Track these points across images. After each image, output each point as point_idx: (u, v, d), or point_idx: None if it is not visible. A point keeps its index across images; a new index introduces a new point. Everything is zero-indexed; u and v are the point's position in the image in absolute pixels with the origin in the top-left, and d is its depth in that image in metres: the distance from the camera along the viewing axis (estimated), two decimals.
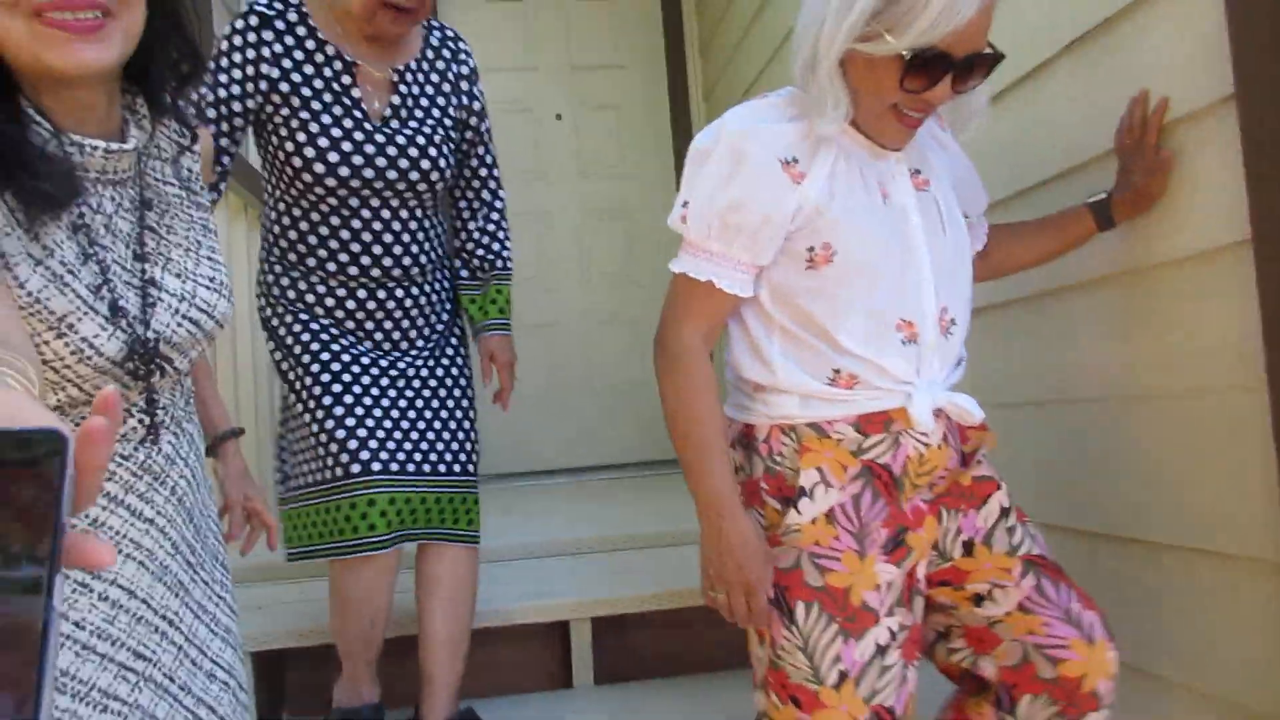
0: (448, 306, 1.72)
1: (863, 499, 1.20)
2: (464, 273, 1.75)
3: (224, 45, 1.52)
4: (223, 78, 1.52)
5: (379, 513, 1.49)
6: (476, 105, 1.70)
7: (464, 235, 1.74)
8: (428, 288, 1.65)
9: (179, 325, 0.98)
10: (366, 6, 1.48)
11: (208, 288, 1.01)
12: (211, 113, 1.51)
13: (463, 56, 1.69)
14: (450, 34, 1.69)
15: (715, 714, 1.80)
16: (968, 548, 1.24)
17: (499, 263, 1.74)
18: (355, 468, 1.49)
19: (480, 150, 1.73)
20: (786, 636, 1.18)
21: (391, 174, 1.54)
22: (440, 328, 1.70)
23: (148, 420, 0.99)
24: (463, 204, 1.75)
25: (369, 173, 1.52)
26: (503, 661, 2.00)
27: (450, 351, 1.69)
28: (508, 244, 1.75)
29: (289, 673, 1.95)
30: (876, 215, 1.18)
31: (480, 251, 1.74)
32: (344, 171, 1.50)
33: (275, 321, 1.62)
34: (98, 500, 0.97)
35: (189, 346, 1.02)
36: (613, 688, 1.98)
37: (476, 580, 1.68)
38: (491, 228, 1.74)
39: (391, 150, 1.54)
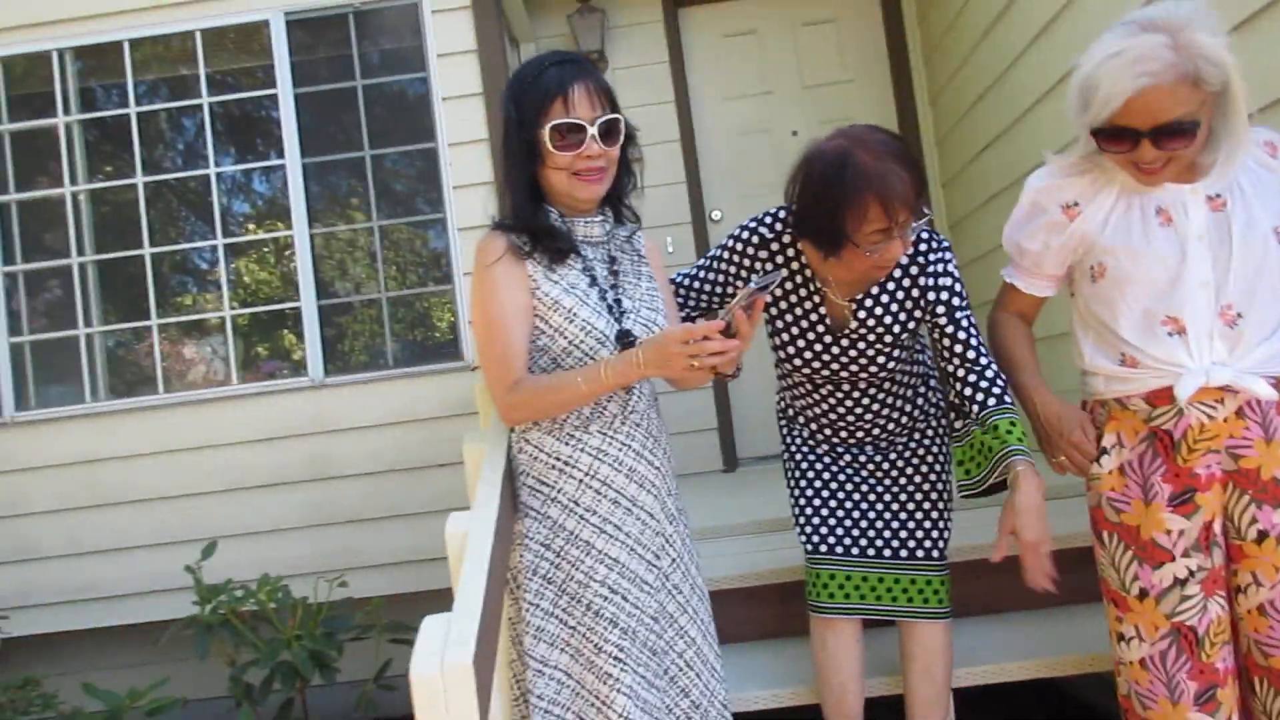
0: (915, 418, 1.94)
1: (1145, 457, 1.56)
2: (966, 409, 1.76)
3: (729, 245, 1.85)
4: (706, 273, 1.88)
5: (837, 585, 1.87)
6: (937, 306, 1.76)
7: (955, 381, 1.78)
8: (899, 414, 1.92)
9: (636, 326, 1.61)
10: (859, 277, 1.73)
11: (648, 309, 1.65)
12: (682, 279, 1.91)
13: (931, 269, 1.77)
14: (923, 246, 1.78)
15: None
16: (1261, 537, 1.51)
17: (989, 401, 1.70)
18: (822, 546, 1.90)
19: (950, 330, 1.76)
20: (1101, 554, 1.63)
21: (844, 374, 1.86)
22: (912, 431, 1.95)
23: (625, 389, 1.62)
24: (950, 366, 1.78)
25: (826, 373, 1.87)
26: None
27: (921, 451, 1.93)
28: (1002, 389, 1.71)
29: None
30: (1149, 237, 1.54)
31: (967, 400, 1.74)
32: (807, 370, 1.87)
33: (781, 420, 2.06)
34: (626, 457, 1.61)
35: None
36: None
37: (949, 647, 1.90)
38: (972, 383, 1.73)
39: (845, 359, 1.84)
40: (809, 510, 1.92)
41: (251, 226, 3.92)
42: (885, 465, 1.94)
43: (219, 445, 3.62)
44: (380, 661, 2.83)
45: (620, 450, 1.61)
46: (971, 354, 1.75)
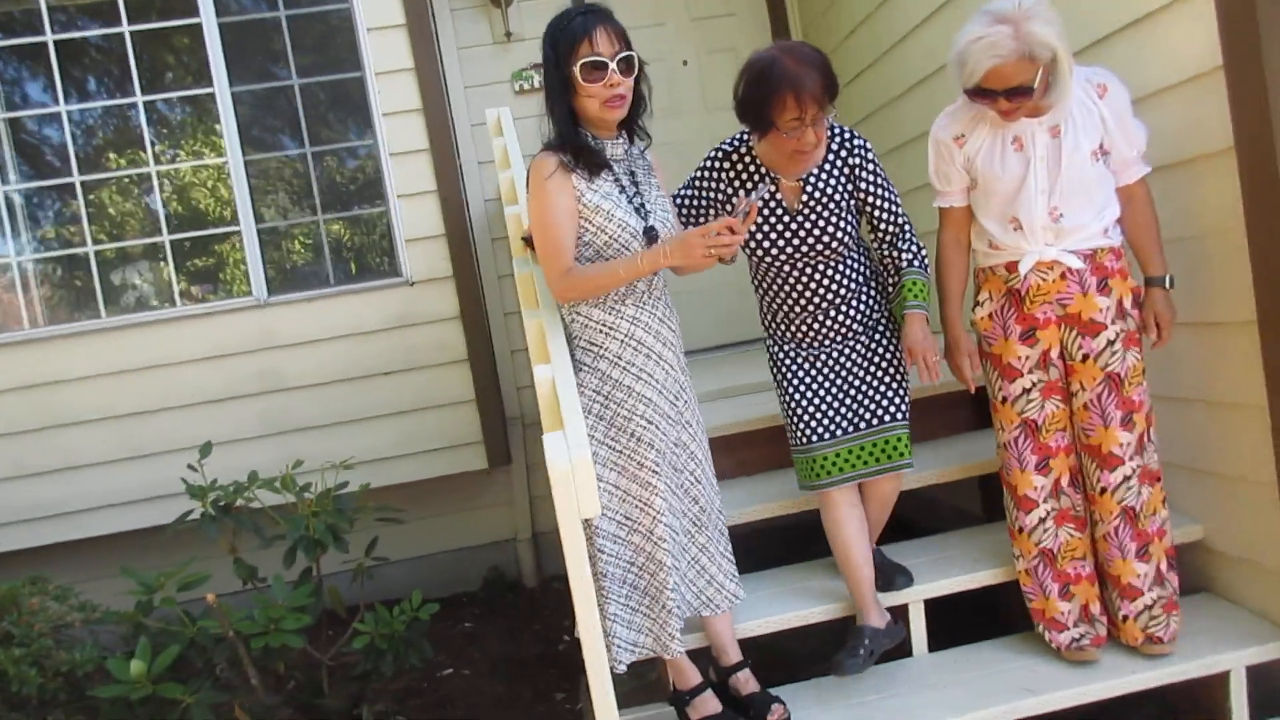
0: (870, 308, 2.36)
1: (1005, 307, 2.21)
2: (893, 277, 2.36)
3: (704, 165, 2.35)
4: (691, 189, 2.37)
5: (828, 464, 2.32)
6: (864, 184, 2.29)
7: (886, 257, 2.37)
8: (855, 301, 2.33)
9: (656, 222, 2.08)
10: (788, 159, 2.23)
11: (661, 210, 2.12)
12: (676, 197, 2.36)
13: (854, 151, 2.29)
14: (846, 135, 2.30)
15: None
16: (1084, 358, 2.18)
17: (902, 264, 2.32)
18: (812, 437, 2.33)
19: (880, 208, 2.32)
20: (985, 375, 2.29)
21: (804, 248, 2.28)
22: (866, 320, 2.36)
23: (653, 272, 2.07)
24: (881, 243, 2.37)
25: (789, 249, 2.29)
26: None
27: (878, 337, 2.36)
28: (913, 255, 2.31)
29: None
30: (1005, 158, 2.16)
31: (892, 264, 2.35)
32: (775, 251, 2.30)
33: (766, 338, 2.46)
34: (654, 322, 2.10)
35: (665, 237, 2.09)
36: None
37: (897, 488, 2.41)
38: (898, 251, 2.33)
39: (801, 232, 2.28)
40: (798, 411, 2.36)
41: (186, 154, 4.05)
42: (853, 355, 2.37)
43: (171, 364, 3.82)
44: (367, 540, 3.21)
45: (649, 317, 2.10)
46: (899, 221, 2.34)
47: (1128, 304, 2.18)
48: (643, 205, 2.10)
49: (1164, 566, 2.24)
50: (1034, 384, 2.21)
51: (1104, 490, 2.20)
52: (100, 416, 3.79)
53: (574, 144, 2.03)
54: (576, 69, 1.97)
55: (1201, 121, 2.20)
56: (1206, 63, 2.16)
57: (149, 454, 3.79)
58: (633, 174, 2.13)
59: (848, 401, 2.37)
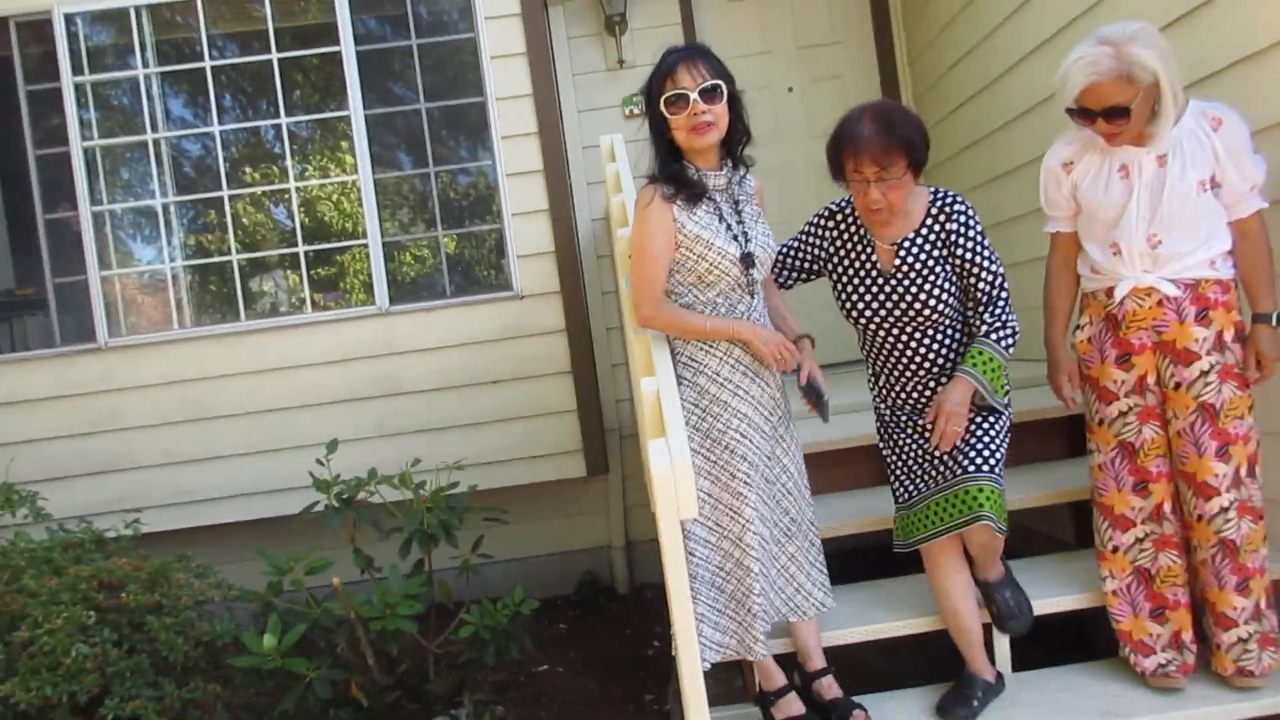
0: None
1: (1103, 331, 2.28)
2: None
3: (812, 221, 2.44)
4: (797, 243, 2.45)
5: (917, 521, 2.31)
6: (961, 250, 2.26)
7: (973, 325, 2.32)
8: (949, 365, 2.32)
9: (757, 250, 2.20)
10: (866, 218, 2.29)
11: (763, 235, 2.24)
12: (784, 248, 2.45)
13: (954, 217, 2.27)
14: (947, 200, 2.28)
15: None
16: (1177, 386, 2.21)
17: (979, 331, 2.27)
18: (905, 496, 2.36)
19: (975, 274, 2.27)
20: (1083, 396, 2.36)
21: (896, 312, 2.29)
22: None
23: (750, 295, 2.21)
24: (972, 311, 2.32)
25: (882, 311, 2.31)
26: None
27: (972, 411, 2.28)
28: (1000, 324, 2.25)
29: None
30: (1109, 185, 2.22)
31: (975, 329, 2.30)
32: (869, 313, 2.33)
33: (872, 396, 2.49)
34: (747, 344, 2.21)
35: (764, 261, 2.23)
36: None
37: (991, 539, 2.25)
38: (981, 321, 2.28)
39: (895, 295, 2.29)
40: (898, 470, 2.41)
41: (319, 171, 4.38)
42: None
43: (300, 366, 4.13)
44: (474, 538, 3.42)
45: None
46: (993, 293, 2.27)
47: (1229, 337, 2.19)
48: (744, 232, 2.23)
49: (1263, 603, 2.23)
50: (1130, 408, 2.26)
51: (1200, 518, 2.22)
52: (237, 412, 4.12)
53: (672, 175, 2.18)
54: (662, 104, 2.14)
55: None
56: None
57: (277, 448, 4.11)
58: (736, 202, 2.26)
59: (935, 459, 2.34)
